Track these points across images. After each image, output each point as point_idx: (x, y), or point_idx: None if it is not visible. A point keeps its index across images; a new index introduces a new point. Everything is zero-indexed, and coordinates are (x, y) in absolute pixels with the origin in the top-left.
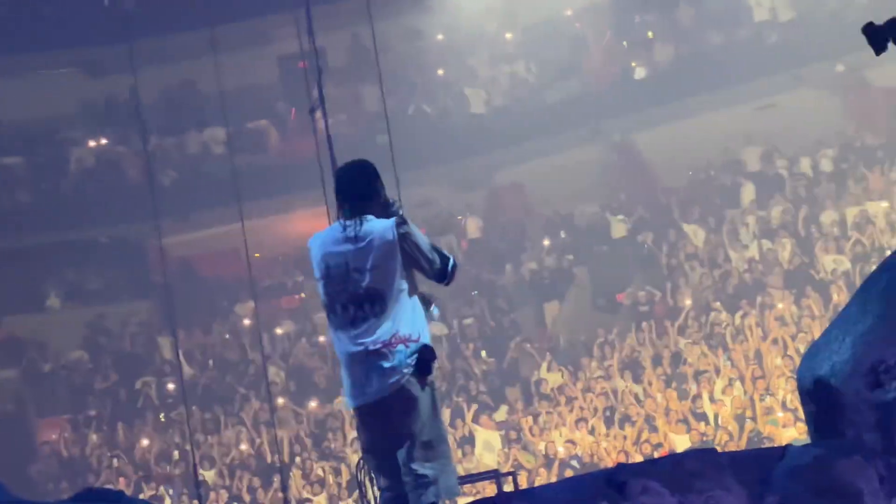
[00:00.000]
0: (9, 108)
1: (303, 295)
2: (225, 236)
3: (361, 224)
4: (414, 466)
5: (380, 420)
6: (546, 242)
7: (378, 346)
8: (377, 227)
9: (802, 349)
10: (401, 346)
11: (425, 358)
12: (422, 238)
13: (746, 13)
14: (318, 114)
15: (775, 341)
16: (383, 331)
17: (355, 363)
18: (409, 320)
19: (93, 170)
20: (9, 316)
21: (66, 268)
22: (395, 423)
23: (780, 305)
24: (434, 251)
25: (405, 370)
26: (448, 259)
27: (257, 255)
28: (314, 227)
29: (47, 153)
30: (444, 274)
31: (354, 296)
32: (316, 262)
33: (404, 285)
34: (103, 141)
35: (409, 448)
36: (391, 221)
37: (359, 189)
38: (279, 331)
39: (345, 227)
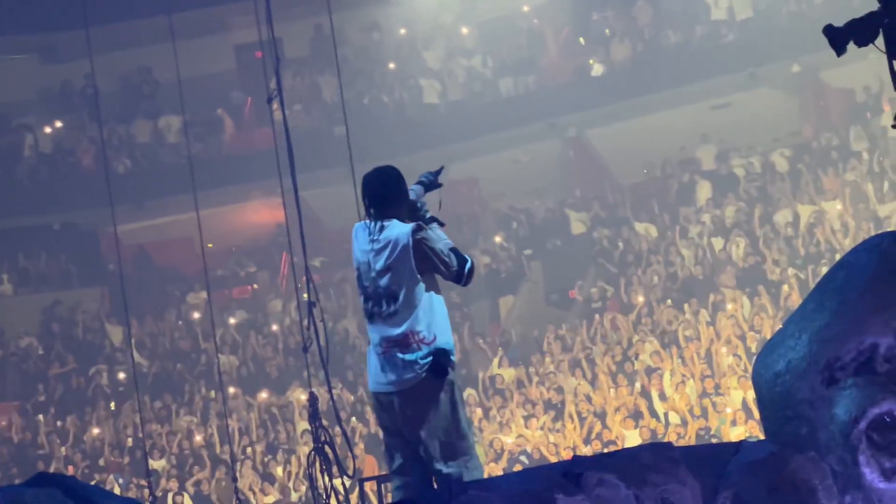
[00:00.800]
0: None
1: (255, 286)
2: (178, 225)
3: (382, 228)
4: (437, 466)
5: (396, 411)
6: (498, 238)
7: (392, 341)
8: (395, 231)
9: (754, 348)
10: (414, 346)
11: (439, 361)
12: (440, 242)
13: (704, 12)
14: (276, 103)
15: (727, 339)
16: (398, 329)
17: (374, 354)
18: (425, 321)
19: (47, 156)
20: None
21: (18, 253)
22: (411, 418)
23: (731, 305)
24: (452, 254)
25: (419, 370)
26: (466, 261)
27: (210, 244)
28: (268, 217)
29: (1, 139)
30: (461, 275)
31: (375, 293)
32: (353, 255)
33: (420, 287)
34: (58, 126)
35: (429, 448)
36: (409, 227)
37: (382, 193)
38: (231, 321)
39: (370, 231)
